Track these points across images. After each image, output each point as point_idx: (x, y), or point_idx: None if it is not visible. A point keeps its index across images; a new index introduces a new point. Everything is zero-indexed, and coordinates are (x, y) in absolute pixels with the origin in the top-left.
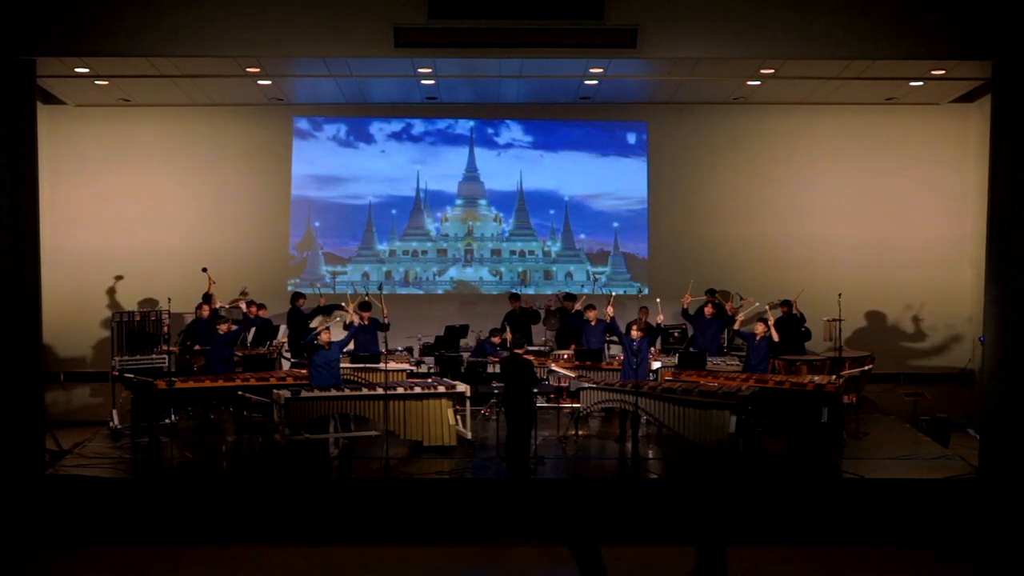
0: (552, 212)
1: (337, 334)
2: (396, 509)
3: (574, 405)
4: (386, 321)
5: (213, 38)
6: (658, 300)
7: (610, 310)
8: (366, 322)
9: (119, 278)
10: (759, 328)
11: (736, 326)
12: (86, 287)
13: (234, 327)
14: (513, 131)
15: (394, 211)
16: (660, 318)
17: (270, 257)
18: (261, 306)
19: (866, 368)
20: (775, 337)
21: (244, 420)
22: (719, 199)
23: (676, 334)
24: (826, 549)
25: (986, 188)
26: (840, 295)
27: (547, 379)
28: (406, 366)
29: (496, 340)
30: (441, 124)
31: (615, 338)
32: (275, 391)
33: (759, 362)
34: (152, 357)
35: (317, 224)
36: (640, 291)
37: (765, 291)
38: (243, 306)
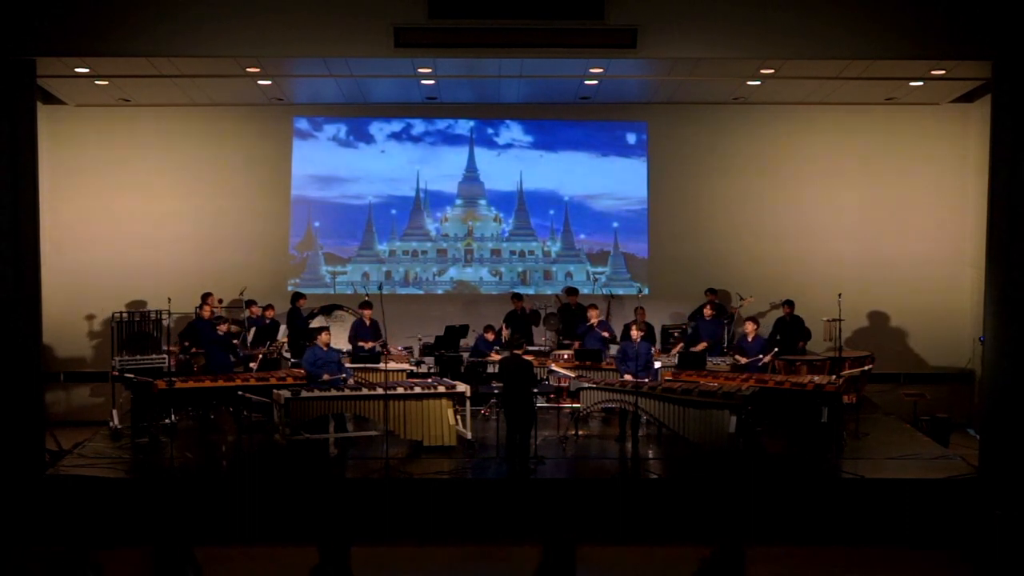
0: (552, 212)
1: (338, 335)
2: (396, 509)
3: (574, 405)
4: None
5: (213, 38)
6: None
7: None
8: (367, 322)
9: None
10: (749, 327)
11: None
12: (86, 287)
13: (234, 328)
14: (513, 131)
15: (394, 211)
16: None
17: (270, 257)
18: (267, 307)
19: (866, 368)
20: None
21: (244, 420)
22: (719, 199)
23: (676, 334)
24: (826, 549)
25: (986, 188)
26: (840, 295)
27: (547, 379)
28: (406, 366)
29: (490, 336)
30: (441, 124)
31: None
32: (275, 391)
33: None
34: (152, 357)
35: (317, 224)
36: (640, 291)
37: (765, 291)
38: (249, 337)
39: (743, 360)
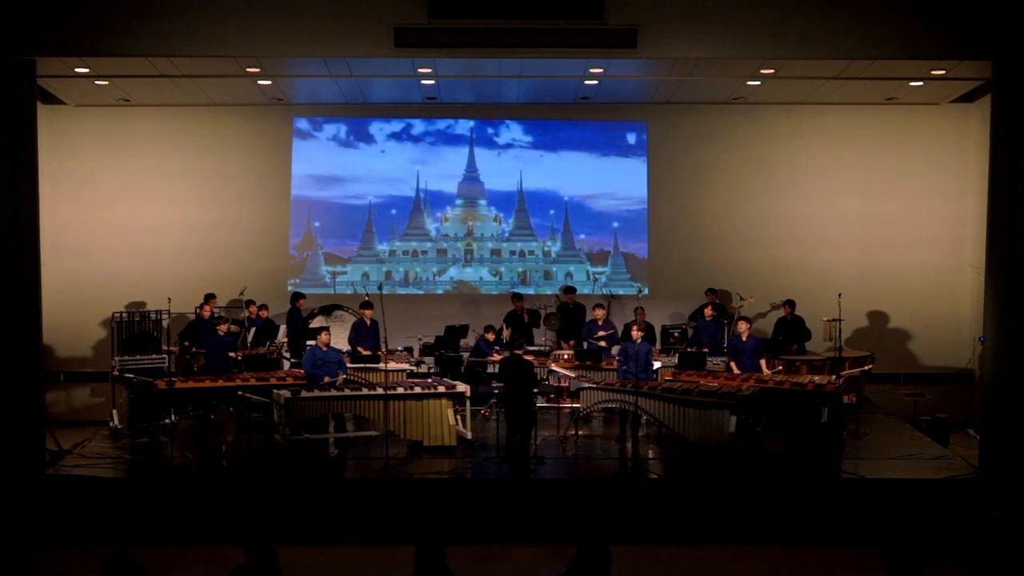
0: (552, 212)
1: (338, 335)
2: (396, 509)
3: (574, 405)
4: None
5: (213, 38)
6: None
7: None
8: (368, 322)
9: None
10: (742, 327)
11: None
12: (86, 287)
13: (234, 328)
14: (513, 131)
15: (394, 211)
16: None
17: (270, 257)
18: (263, 307)
19: (866, 368)
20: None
21: (244, 420)
22: (719, 199)
23: (676, 334)
24: (826, 549)
25: (986, 188)
26: (840, 295)
27: (547, 379)
28: (406, 366)
29: (490, 336)
30: (441, 124)
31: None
32: (275, 391)
33: (749, 360)
34: (152, 357)
35: (317, 224)
36: (640, 291)
37: (765, 291)
38: (249, 337)
39: (738, 371)
